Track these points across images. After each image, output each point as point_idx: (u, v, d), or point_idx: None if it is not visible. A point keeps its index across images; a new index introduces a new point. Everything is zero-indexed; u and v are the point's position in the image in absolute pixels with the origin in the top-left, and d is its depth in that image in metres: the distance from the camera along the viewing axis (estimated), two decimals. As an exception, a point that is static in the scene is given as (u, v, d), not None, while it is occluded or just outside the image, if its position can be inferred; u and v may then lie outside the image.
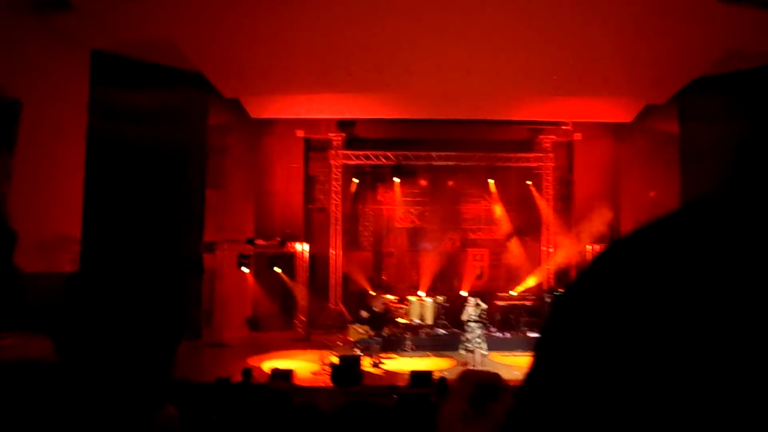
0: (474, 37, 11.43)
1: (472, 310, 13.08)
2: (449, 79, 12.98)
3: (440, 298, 16.63)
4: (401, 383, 10.97)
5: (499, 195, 18.23)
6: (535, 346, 0.47)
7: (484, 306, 13.26)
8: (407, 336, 15.17)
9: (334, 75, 12.83)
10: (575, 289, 0.47)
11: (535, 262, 17.91)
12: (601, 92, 14.09)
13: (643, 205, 15.67)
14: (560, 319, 0.46)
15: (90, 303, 1.46)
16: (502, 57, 12.12)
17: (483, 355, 12.92)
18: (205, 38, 11.63)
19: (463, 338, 13.15)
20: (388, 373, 13.01)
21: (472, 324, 12.98)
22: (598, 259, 0.46)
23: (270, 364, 12.39)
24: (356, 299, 17.11)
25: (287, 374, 10.58)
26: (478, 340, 12.88)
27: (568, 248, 16.95)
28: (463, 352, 13.07)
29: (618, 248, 0.46)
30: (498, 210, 18.32)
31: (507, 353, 13.88)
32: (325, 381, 11.54)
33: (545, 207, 18.28)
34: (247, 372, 9.60)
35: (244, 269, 16.37)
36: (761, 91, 12.41)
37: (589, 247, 16.19)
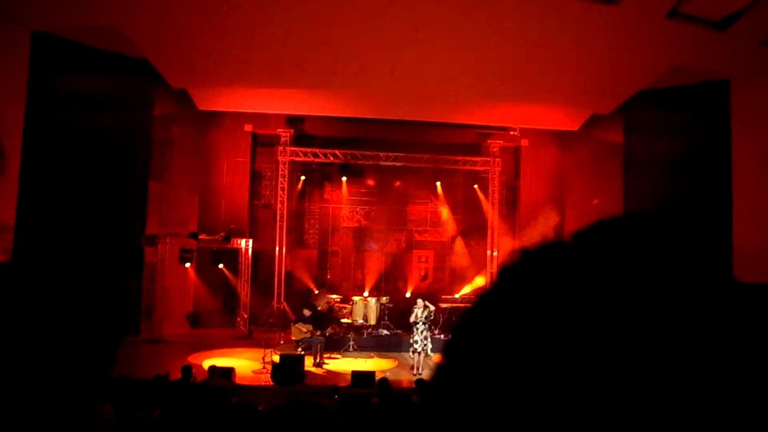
0: (427, 40, 11.41)
1: (420, 312, 13.04)
2: (401, 80, 12.98)
3: (384, 299, 16.65)
4: (343, 383, 10.94)
5: (446, 197, 18.44)
6: (444, 350, 0.52)
7: (432, 308, 13.23)
8: (350, 336, 15.15)
9: (286, 70, 12.71)
10: (482, 302, 0.53)
11: (479, 265, 17.99)
12: (548, 100, 14.22)
13: (586, 212, 15.93)
14: (466, 327, 0.53)
15: (21, 295, 1.36)
16: (454, 61, 12.16)
17: (427, 356, 12.89)
18: (152, 25, 11.23)
19: (411, 340, 13.07)
20: (330, 372, 12.98)
21: (420, 326, 12.92)
22: (497, 284, 0.54)
23: (210, 361, 12.14)
24: (300, 298, 16.98)
25: (228, 372, 10.46)
26: (425, 341, 12.88)
27: (512, 251, 17.26)
28: (410, 353, 13.04)
29: (507, 274, 0.54)
30: (444, 212, 18.48)
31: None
32: (266, 380, 11.40)
33: (491, 211, 18.34)
34: (187, 369, 9.46)
35: (187, 264, 16.07)
36: (704, 105, 12.71)
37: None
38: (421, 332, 12.92)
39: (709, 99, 12.56)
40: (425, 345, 12.92)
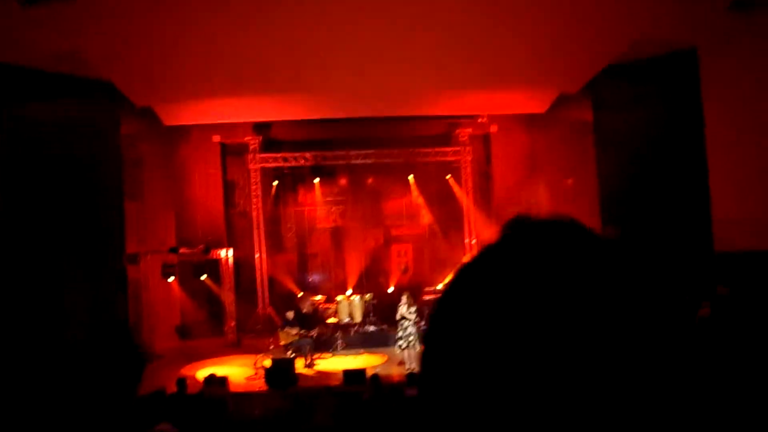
0: (387, 35, 11.47)
1: (404, 308, 13.09)
2: (365, 77, 13.02)
3: (368, 296, 16.79)
4: (335, 382, 11.24)
5: (420, 190, 18.52)
6: (423, 337, 0.69)
7: (413, 307, 13.10)
8: (338, 335, 15.38)
9: (248, 77, 12.68)
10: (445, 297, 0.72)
11: (459, 254, 17.91)
12: (513, 83, 14.14)
13: (561, 193, 16.02)
14: (436, 320, 0.70)
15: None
16: (416, 53, 12.20)
17: (418, 352, 12.49)
18: (111, 47, 11.26)
19: (397, 336, 13.10)
20: (321, 373, 13.14)
21: (405, 322, 12.94)
22: (458, 277, 0.72)
23: (203, 372, 12.33)
24: (284, 302, 16.96)
25: (222, 381, 10.56)
26: (412, 337, 12.86)
27: (491, 239, 17.45)
28: (398, 350, 13.06)
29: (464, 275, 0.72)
30: (419, 205, 18.54)
31: None
32: (260, 385, 11.56)
33: (465, 199, 18.42)
34: (182, 382, 9.61)
35: (170, 279, 16.30)
36: (673, 77, 12.59)
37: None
38: (406, 328, 12.91)
39: (678, 70, 12.44)
40: (411, 340, 12.84)
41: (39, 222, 11.58)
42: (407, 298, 13.29)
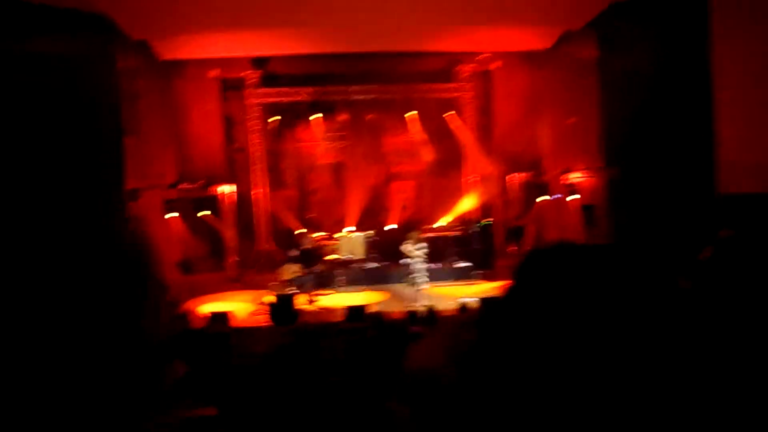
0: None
1: (411, 246, 13.30)
2: (365, 11, 12.69)
3: (369, 233, 17.02)
4: (336, 318, 11.11)
5: (420, 127, 18.23)
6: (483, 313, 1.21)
7: (421, 244, 13.34)
8: (339, 272, 15.53)
9: (246, 10, 12.32)
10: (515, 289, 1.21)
11: (458, 192, 18.12)
12: (517, 19, 13.77)
13: (562, 131, 15.75)
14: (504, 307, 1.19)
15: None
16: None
17: (420, 289, 13.18)
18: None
19: (406, 272, 13.41)
20: (323, 309, 13.22)
21: (414, 259, 13.19)
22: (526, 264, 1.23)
23: (205, 307, 12.48)
24: (285, 238, 17.09)
25: (223, 317, 10.72)
26: (421, 274, 13.22)
27: (490, 177, 17.44)
28: (406, 284, 13.32)
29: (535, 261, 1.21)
30: (419, 142, 18.25)
31: (438, 283, 14.40)
32: (262, 321, 11.61)
33: (466, 137, 18.20)
34: (183, 317, 9.29)
35: (171, 214, 16.01)
36: (681, 13, 12.05)
37: (510, 176, 17.26)
38: (417, 264, 13.17)
39: (686, 7, 11.85)
40: (422, 277, 13.17)
41: (34, 158, 11.29)
42: (415, 235, 13.62)
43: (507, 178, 17.51)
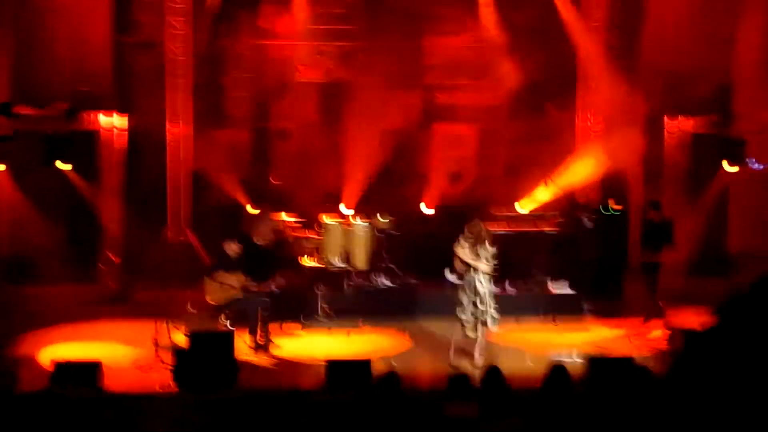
0: None
1: (468, 248, 12.37)
2: None
3: (383, 220, 15.88)
4: (308, 382, 11.24)
5: (498, 20, 16.55)
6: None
7: (488, 246, 12.48)
8: (320, 291, 14.77)
9: None
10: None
11: (562, 150, 16.61)
12: None
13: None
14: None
15: None
16: None
17: (479, 331, 12.59)
18: None
19: (462, 296, 12.62)
20: (283, 363, 12.87)
21: (474, 273, 12.48)
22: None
23: (54, 351, 12.11)
24: (220, 220, 16.28)
25: (90, 371, 10.22)
26: (485, 302, 12.45)
27: (627, 124, 16.20)
28: (465, 321, 12.54)
29: None
30: (495, 49, 16.78)
31: (513, 321, 14.13)
32: (164, 380, 11.18)
33: (587, 43, 16.49)
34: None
35: None
36: None
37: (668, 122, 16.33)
38: (482, 284, 12.36)
39: None
40: (482, 308, 12.43)
41: None
42: (477, 228, 12.47)
43: (662, 128, 16.46)
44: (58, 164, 16.04)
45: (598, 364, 8.80)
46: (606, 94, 17.05)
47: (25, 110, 15.22)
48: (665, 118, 16.92)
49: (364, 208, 16.50)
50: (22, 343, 12.80)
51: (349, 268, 15.63)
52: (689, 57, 16.48)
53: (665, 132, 17.02)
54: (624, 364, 10.30)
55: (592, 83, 17.26)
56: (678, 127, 17.04)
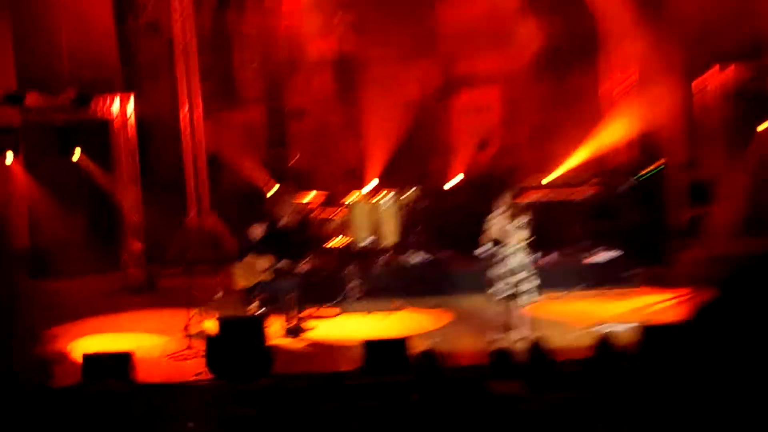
0: None
1: (501, 221, 12.44)
2: None
3: (410, 193, 15.94)
4: (347, 365, 11.03)
5: None
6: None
7: (521, 218, 12.58)
8: (350, 271, 14.93)
9: None
10: None
11: (592, 115, 16.55)
12: None
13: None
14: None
15: None
16: None
17: (530, 301, 12.56)
18: None
19: (493, 272, 12.48)
20: (317, 346, 12.96)
21: (508, 245, 12.41)
22: None
23: (83, 344, 12.39)
24: (241, 205, 16.21)
25: (122, 363, 10.41)
26: (521, 274, 12.15)
27: (659, 82, 15.90)
28: (500, 295, 12.54)
29: None
30: (511, 13, 16.78)
31: (555, 294, 14.03)
32: (197, 369, 11.35)
33: (611, 7, 15.95)
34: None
35: (8, 156, 15.13)
36: None
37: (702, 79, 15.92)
38: (516, 256, 12.23)
39: None
40: (528, 282, 12.19)
41: None
42: (509, 198, 12.48)
43: (694, 84, 15.84)
44: (74, 154, 16.62)
45: (650, 332, 8.89)
46: (634, 49, 17.10)
47: (32, 99, 15.39)
48: (694, 78, 16.96)
49: (387, 183, 16.69)
50: (51, 338, 12.67)
51: (379, 246, 15.77)
52: (724, 7, 16.12)
53: (695, 90, 17.05)
54: (678, 329, 9.89)
55: (618, 40, 17.24)
56: (713, 84, 16.66)
